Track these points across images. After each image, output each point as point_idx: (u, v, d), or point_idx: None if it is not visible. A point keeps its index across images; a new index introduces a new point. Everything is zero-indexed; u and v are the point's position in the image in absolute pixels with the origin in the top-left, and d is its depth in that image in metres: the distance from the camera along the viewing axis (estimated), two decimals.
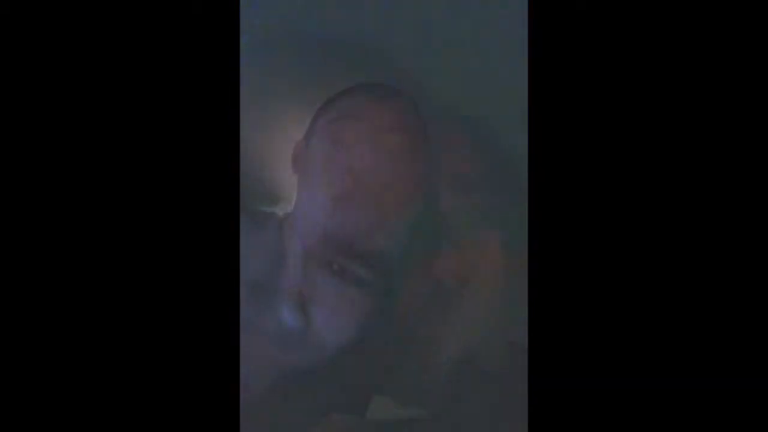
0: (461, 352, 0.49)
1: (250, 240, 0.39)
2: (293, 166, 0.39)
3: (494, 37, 0.52)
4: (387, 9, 0.49)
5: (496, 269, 0.49)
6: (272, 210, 0.39)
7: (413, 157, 0.43)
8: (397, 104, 0.42)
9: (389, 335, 0.50)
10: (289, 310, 0.39)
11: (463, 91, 0.54)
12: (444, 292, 0.48)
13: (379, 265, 0.41)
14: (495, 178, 0.51)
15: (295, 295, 0.39)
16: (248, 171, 0.40)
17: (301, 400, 0.46)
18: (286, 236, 0.39)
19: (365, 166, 0.40)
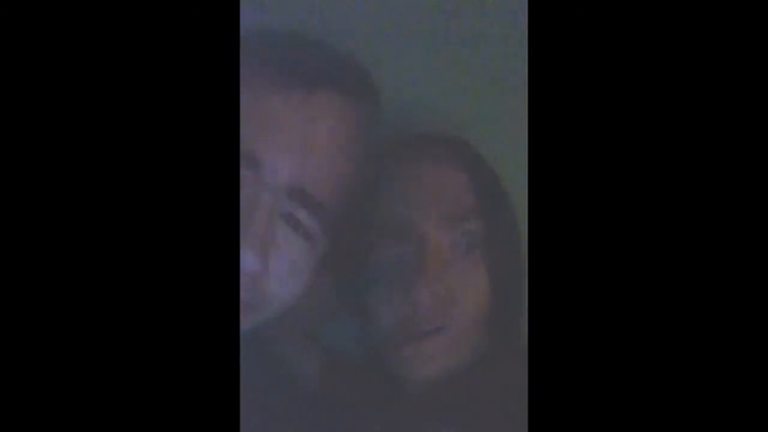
0: (453, 368, 0.49)
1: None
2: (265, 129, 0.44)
3: (494, 45, 0.53)
4: (387, 11, 0.50)
5: (485, 291, 0.49)
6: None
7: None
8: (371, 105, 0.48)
9: (371, 359, 0.51)
10: (253, 255, 0.43)
11: (460, 103, 0.55)
12: (427, 315, 0.47)
13: (326, 220, 0.46)
14: (487, 201, 0.51)
15: (259, 242, 0.43)
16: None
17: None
18: (257, 190, 0.44)
19: (324, 139, 0.45)
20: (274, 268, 0.45)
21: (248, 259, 0.43)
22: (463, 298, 0.48)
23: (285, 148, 0.45)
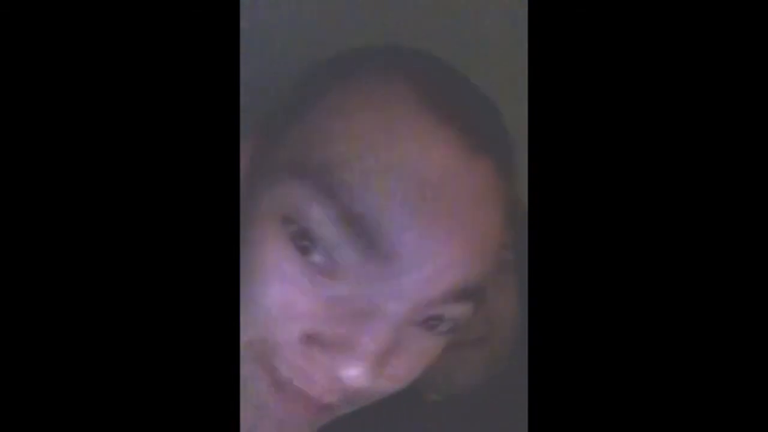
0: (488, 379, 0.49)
1: (313, 288, 0.37)
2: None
3: (494, 45, 0.53)
4: (388, 10, 0.50)
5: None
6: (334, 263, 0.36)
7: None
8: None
9: None
10: (367, 369, 0.36)
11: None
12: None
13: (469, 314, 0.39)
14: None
15: (374, 357, 0.36)
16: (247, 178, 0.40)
17: None
18: (374, 296, 0.36)
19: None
20: (390, 372, 0.38)
21: (353, 374, 0.36)
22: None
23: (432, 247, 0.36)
